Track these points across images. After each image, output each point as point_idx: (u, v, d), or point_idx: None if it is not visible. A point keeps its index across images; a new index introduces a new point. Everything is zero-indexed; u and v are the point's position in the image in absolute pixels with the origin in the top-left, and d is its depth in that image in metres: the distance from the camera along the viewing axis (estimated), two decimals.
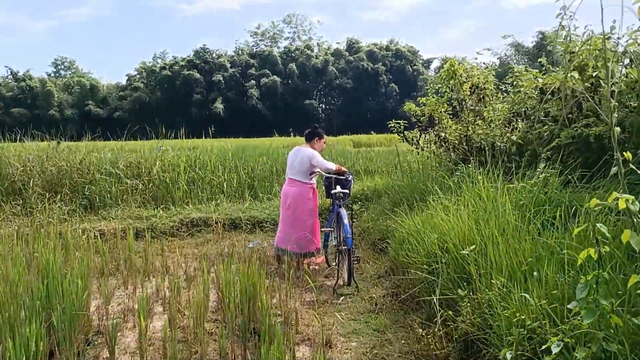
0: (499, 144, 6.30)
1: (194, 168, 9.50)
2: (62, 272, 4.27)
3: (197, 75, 77.49)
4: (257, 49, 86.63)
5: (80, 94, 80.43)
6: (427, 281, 4.07)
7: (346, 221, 5.13)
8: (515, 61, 60.70)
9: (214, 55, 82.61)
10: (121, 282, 5.46)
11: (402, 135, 8.00)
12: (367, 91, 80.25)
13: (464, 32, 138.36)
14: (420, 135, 7.90)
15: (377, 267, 5.82)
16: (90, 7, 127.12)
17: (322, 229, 6.14)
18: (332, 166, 6.16)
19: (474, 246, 3.61)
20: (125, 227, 7.46)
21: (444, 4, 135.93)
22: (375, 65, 79.69)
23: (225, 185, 9.34)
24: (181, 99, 77.06)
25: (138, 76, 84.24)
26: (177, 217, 7.85)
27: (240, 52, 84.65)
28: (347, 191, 5.77)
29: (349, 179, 6.08)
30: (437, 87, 8.11)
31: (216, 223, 7.74)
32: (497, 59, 59.26)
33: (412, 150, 8.20)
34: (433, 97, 7.91)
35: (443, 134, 7.47)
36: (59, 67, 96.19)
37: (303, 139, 6.48)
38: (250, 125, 72.64)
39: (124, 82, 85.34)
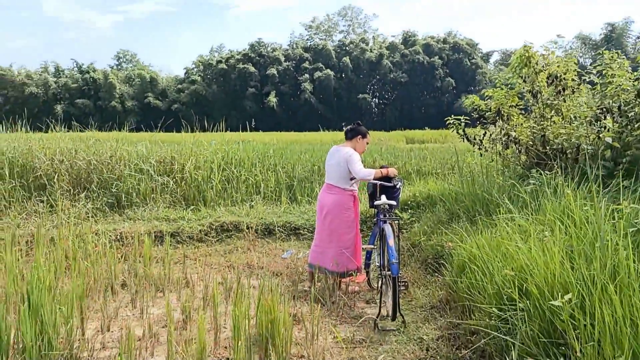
0: (585, 146, 5.11)
1: (230, 166, 8.74)
2: (48, 292, 3.54)
3: (252, 69, 77.80)
4: (311, 43, 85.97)
5: (140, 86, 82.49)
6: (497, 331, 3.04)
7: (392, 242, 4.13)
8: (580, 55, 57.17)
9: (268, 48, 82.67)
10: (129, 300, 4.73)
11: (462, 133, 6.89)
12: (422, 85, 78.10)
13: (524, 24, 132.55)
14: (484, 134, 6.76)
15: (429, 294, 4.81)
16: (153, 3, 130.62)
17: (364, 247, 5.18)
18: (370, 174, 5.18)
19: (569, 295, 2.54)
20: (149, 229, 6.78)
21: None
22: (432, 59, 77.32)
23: (262, 186, 8.54)
24: (236, 92, 77.68)
25: (195, 69, 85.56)
26: (207, 221, 7.11)
27: (294, 45, 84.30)
28: (393, 203, 4.74)
29: (398, 186, 5.05)
30: (506, 78, 6.93)
31: (248, 228, 6.93)
32: (563, 52, 55.93)
33: (473, 151, 7.08)
34: (502, 89, 6.74)
35: (513, 133, 6.30)
36: (121, 60, 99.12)
37: (345, 136, 5.51)
38: (302, 119, 72.25)
39: (182, 75, 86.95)
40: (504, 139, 6.42)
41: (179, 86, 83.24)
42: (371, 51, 79.72)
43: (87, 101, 78.77)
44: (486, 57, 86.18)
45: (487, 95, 6.83)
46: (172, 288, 5.10)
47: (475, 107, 6.87)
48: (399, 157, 11.71)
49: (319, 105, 76.37)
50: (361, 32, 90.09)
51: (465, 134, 6.79)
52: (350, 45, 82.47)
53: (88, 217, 7.18)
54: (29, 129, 9.66)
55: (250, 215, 7.42)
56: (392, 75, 78.04)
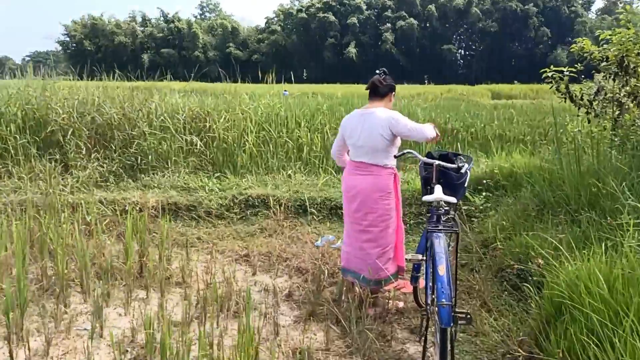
0: None
1: (271, 125, 7.38)
2: None
3: (332, 18, 75.47)
4: None
5: (222, 37, 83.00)
6: None
7: (443, 269, 2.59)
8: None
9: None
10: (102, 300, 3.62)
11: (563, 89, 5.02)
12: (514, 35, 72.18)
13: None
14: (596, 92, 4.89)
15: (504, 329, 3.30)
16: None
17: (409, 257, 3.66)
18: (432, 130, 3.78)
19: None
20: (160, 200, 5.67)
21: None
22: (526, 6, 70.85)
23: (305, 150, 7.15)
24: (315, 43, 76.05)
25: (276, 19, 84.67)
26: (230, 193, 5.87)
27: None
28: (453, 200, 3.18)
29: (464, 169, 3.45)
30: (630, 19, 4.94)
31: (278, 205, 5.61)
32: None
33: (577, 114, 5.24)
34: (627, 29, 4.75)
35: None
36: (204, 9, 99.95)
37: (369, 92, 3.93)
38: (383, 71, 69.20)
39: (262, 25, 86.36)
40: (626, 99, 4.56)
41: (259, 36, 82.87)
42: None
43: (172, 51, 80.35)
44: (587, 4, 77.74)
45: (603, 39, 4.89)
46: (165, 286, 3.95)
47: (584, 54, 4.93)
48: (479, 117, 9.79)
49: (401, 56, 73.06)
50: None
51: (569, 91, 4.92)
52: None
53: (97, 181, 6.22)
54: (117, 78, 9.05)
55: (284, 187, 6.09)
56: (480, 24, 72.66)
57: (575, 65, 5.12)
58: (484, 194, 5.35)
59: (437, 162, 3.49)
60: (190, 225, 5.51)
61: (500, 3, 72.01)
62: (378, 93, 3.86)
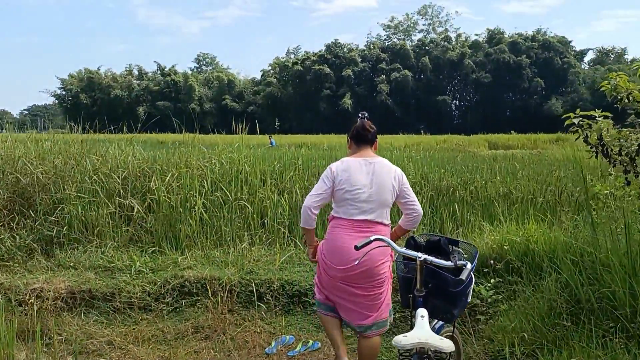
0: None
1: (229, 182, 6.10)
2: None
3: (327, 70, 76.15)
4: (389, 43, 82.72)
5: (218, 89, 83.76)
6: None
7: None
8: None
9: (345, 49, 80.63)
10: None
11: (594, 142, 3.73)
12: (508, 86, 72.51)
13: (621, 23, 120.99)
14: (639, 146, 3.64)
15: None
16: (238, 8, 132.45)
17: None
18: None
19: None
20: (71, 286, 4.34)
21: None
22: (519, 58, 71.43)
23: (269, 215, 5.86)
24: (311, 94, 76.40)
25: (271, 71, 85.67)
26: (162, 276, 4.56)
27: (371, 46, 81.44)
28: (447, 347, 1.88)
29: (466, 273, 2.17)
30: None
31: (223, 292, 4.28)
32: None
33: (610, 174, 4.01)
34: None
35: None
36: (201, 62, 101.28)
37: (351, 139, 3.48)
38: (378, 122, 68.65)
39: (258, 77, 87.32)
40: None
41: (255, 88, 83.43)
42: (453, 50, 75.14)
43: (168, 103, 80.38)
44: (580, 55, 78.61)
45: None
46: None
47: (619, 95, 3.71)
48: (478, 170, 8.58)
49: (396, 107, 73.07)
50: (442, 30, 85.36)
51: (602, 143, 3.62)
52: (431, 44, 78.38)
53: (4, 258, 4.93)
54: (113, 131, 8.03)
55: (235, 266, 4.77)
56: (474, 76, 73.11)
57: (606, 112, 3.92)
58: (492, 280, 4.00)
59: (422, 256, 2.21)
60: (104, 322, 4.16)
61: (493, 55, 72.71)
62: (367, 140, 3.41)
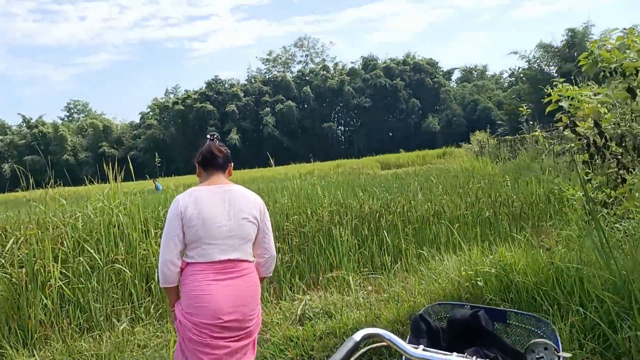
0: None
1: (99, 240, 4.64)
2: None
3: (210, 107, 74.60)
4: (270, 75, 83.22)
5: (93, 136, 78.97)
6: None
7: None
8: (545, 62, 56.09)
9: (226, 85, 79.71)
10: None
11: (583, 135, 2.93)
12: (388, 109, 75.80)
13: (477, 44, 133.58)
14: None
15: None
16: (109, 53, 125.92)
17: None
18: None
19: None
20: None
21: (453, 20, 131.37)
22: (394, 81, 75.25)
23: (156, 277, 4.52)
24: (195, 132, 74.09)
25: (151, 113, 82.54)
26: None
27: (252, 80, 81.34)
28: None
29: None
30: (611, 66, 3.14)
31: None
32: (526, 62, 54.37)
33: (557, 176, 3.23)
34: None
35: None
36: (72, 110, 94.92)
37: (198, 165, 3.03)
38: (270, 153, 68.42)
39: (138, 120, 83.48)
40: None
41: (135, 132, 79.59)
42: (332, 78, 77.29)
43: (37, 157, 73.59)
44: (447, 75, 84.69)
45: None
46: None
47: (605, 68, 2.94)
48: (390, 190, 7.80)
49: (284, 137, 73.05)
50: (320, 61, 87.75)
51: (601, 132, 2.79)
52: (310, 74, 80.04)
53: None
54: None
55: None
56: (355, 101, 75.55)
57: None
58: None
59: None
60: None
61: (370, 80, 75.79)
62: (218, 165, 2.99)
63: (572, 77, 4.31)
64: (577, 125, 2.82)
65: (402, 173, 15.35)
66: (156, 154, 42.85)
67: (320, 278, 5.01)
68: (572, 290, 2.74)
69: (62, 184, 7.44)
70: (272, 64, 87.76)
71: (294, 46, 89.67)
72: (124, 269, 4.50)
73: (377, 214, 6.21)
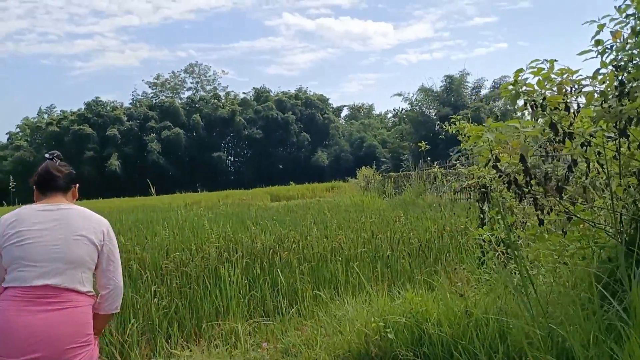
0: None
1: None
2: None
3: (89, 130, 69.78)
4: (157, 100, 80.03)
5: None
6: None
7: None
8: (425, 105, 60.32)
9: (108, 108, 75.21)
10: None
11: (505, 172, 2.64)
12: (278, 141, 76.19)
13: (364, 84, 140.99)
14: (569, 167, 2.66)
15: None
16: None
17: None
18: None
19: None
20: None
21: (342, 59, 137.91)
22: (285, 115, 76.08)
23: None
24: (71, 156, 68.45)
25: (21, 134, 75.54)
26: None
27: (137, 104, 77.68)
28: None
29: None
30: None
31: None
32: (408, 104, 58.10)
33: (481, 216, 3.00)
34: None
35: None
36: None
37: (35, 187, 2.69)
38: (152, 181, 65.01)
39: (5, 140, 75.83)
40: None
41: (1, 153, 71.80)
42: (223, 107, 76.17)
43: None
44: (337, 111, 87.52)
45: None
46: None
47: (528, 102, 2.69)
48: (284, 224, 7.34)
49: (170, 166, 70.09)
50: (211, 89, 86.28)
51: (526, 169, 2.45)
52: (201, 102, 78.29)
53: None
54: None
55: None
56: (246, 132, 75.02)
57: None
58: None
59: None
60: None
61: (262, 112, 75.89)
62: (57, 187, 2.64)
63: (462, 117, 4.23)
64: (499, 161, 2.58)
65: (294, 205, 14.99)
66: (26, 182, 38.65)
67: (204, 326, 4.32)
68: (493, 345, 2.42)
69: None
70: (160, 89, 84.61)
71: (184, 72, 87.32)
72: None
73: (271, 250, 5.66)
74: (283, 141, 76.35)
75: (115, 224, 7.02)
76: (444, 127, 3.48)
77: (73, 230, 2.43)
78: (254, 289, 5.09)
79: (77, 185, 2.80)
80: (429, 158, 17.92)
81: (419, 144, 8.79)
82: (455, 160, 3.58)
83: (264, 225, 7.62)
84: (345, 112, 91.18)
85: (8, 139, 75.84)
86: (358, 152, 72.49)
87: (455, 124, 3.86)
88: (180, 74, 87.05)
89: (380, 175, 28.93)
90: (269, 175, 67.61)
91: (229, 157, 79.40)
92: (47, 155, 2.78)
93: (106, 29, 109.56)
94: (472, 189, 3.80)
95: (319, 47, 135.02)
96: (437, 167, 7.89)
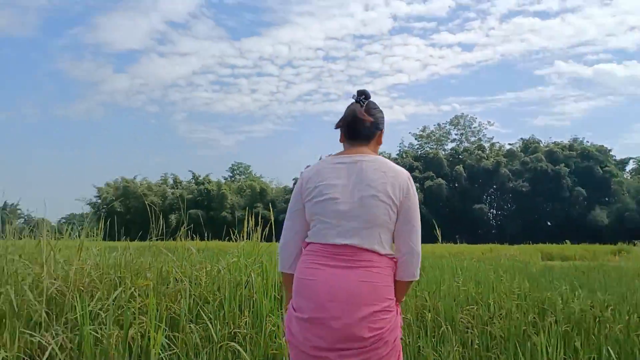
0: None
1: (206, 302, 3.95)
2: None
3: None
4: (422, 152, 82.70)
5: (250, 197, 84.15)
6: None
7: None
8: None
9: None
10: None
11: None
12: (547, 195, 69.94)
13: None
14: None
15: None
16: (272, 124, 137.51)
17: None
18: None
19: None
20: None
21: (625, 108, 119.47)
22: (557, 167, 69.68)
23: None
24: None
25: None
26: None
27: (404, 154, 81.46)
28: None
29: None
30: None
31: None
32: None
33: None
34: None
35: None
36: (235, 171, 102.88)
37: (345, 133, 2.43)
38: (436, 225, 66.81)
39: (291, 185, 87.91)
40: None
41: (287, 197, 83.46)
42: (487, 159, 74.24)
43: (200, 211, 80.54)
44: (621, 165, 76.51)
45: None
46: None
47: None
48: (586, 287, 6.28)
49: (430, 215, 71.03)
50: (475, 140, 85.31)
51: None
52: (465, 153, 77.85)
53: None
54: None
55: None
56: (511, 184, 71.24)
57: None
58: None
59: None
60: None
61: (529, 164, 71.26)
62: (360, 135, 2.42)
63: None
64: None
65: (583, 267, 13.22)
66: None
67: None
68: None
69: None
70: (425, 140, 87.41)
71: (449, 124, 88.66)
72: (241, 350, 3.56)
73: (597, 319, 4.76)
74: (553, 195, 69.92)
75: None
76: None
77: (372, 187, 2.23)
78: None
79: (383, 130, 2.52)
80: None
81: None
82: None
83: (558, 284, 6.75)
84: (631, 165, 79.10)
85: (293, 184, 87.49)
86: None
87: None
88: (445, 126, 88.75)
89: None
90: (535, 231, 62.41)
91: (491, 210, 76.31)
92: (354, 96, 2.49)
93: (378, 87, 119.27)
94: None
95: (596, 94, 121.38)
96: None
